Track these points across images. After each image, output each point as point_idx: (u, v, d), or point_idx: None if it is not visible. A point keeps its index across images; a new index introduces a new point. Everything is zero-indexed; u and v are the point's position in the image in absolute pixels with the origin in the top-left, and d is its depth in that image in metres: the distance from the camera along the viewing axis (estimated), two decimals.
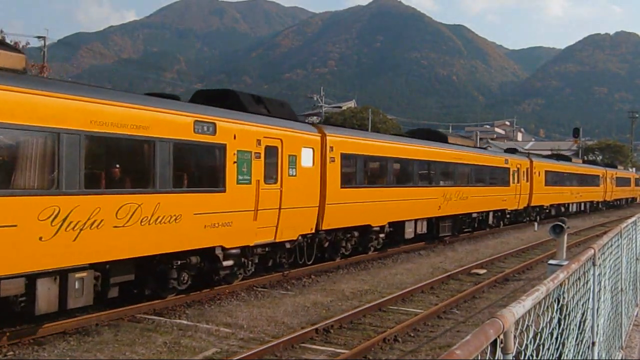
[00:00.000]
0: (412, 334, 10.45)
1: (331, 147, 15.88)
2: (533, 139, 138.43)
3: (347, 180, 16.75)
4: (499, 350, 2.52)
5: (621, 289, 7.59)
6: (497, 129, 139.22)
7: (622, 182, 58.37)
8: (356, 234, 17.68)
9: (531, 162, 32.92)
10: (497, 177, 28.36)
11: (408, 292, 13.71)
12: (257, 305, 12.23)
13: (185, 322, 10.75)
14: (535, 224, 32.31)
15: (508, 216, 30.60)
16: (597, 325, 5.45)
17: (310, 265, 16.06)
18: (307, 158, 14.90)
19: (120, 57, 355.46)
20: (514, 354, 2.64)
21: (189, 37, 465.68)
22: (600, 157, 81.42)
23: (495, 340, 2.45)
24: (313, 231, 15.39)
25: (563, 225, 13.75)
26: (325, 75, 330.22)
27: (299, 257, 15.58)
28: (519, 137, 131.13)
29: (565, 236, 13.94)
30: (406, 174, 20.66)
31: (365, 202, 17.48)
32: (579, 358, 4.63)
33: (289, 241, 14.61)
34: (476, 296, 13.93)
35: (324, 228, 15.76)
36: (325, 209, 15.58)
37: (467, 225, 26.08)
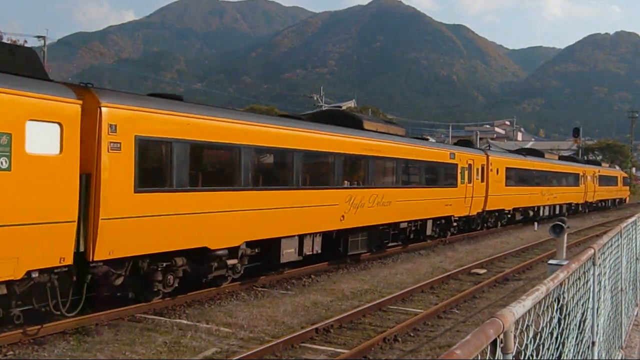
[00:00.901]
0: (412, 334, 10.45)
1: (113, 126, 9.94)
2: (533, 139, 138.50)
3: (152, 181, 10.97)
4: (499, 350, 2.52)
5: (621, 288, 7.59)
6: (497, 129, 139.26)
7: (607, 181, 51.70)
8: (181, 261, 11.57)
9: (487, 157, 27.29)
10: (438, 175, 22.59)
11: (408, 292, 13.70)
12: (257, 305, 12.23)
13: (185, 321, 10.75)
14: (535, 223, 32.23)
15: (455, 224, 24.55)
16: (597, 325, 5.45)
17: (71, 318, 9.85)
18: (43, 140, 8.95)
19: (120, 57, 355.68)
20: (514, 353, 2.64)
21: (189, 37, 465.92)
22: (601, 157, 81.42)
23: (495, 340, 2.45)
24: (69, 262, 9.28)
25: (563, 225, 13.76)
26: (325, 75, 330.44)
27: (51, 305, 9.39)
28: (519, 137, 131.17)
29: (565, 236, 13.95)
30: (280, 170, 14.62)
31: (192, 214, 11.40)
32: (579, 358, 4.63)
33: (7, 282, 8.64)
34: (476, 296, 13.93)
35: (100, 258, 9.81)
36: (101, 226, 9.70)
37: (393, 238, 19.77)
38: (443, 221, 23.37)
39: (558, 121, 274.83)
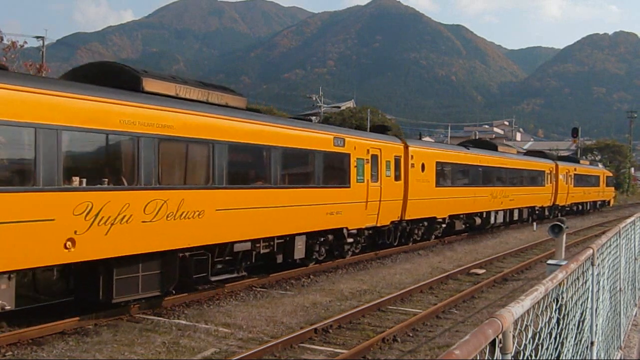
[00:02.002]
0: (411, 334, 10.45)
1: None
2: (532, 139, 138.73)
3: None
4: (497, 350, 2.52)
5: (620, 288, 7.60)
6: (496, 129, 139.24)
7: (586, 180, 44.03)
8: None
9: (406, 147, 20.34)
10: (311, 169, 15.57)
11: (407, 292, 13.70)
12: (256, 305, 12.23)
13: (184, 322, 10.75)
14: (534, 224, 32.11)
15: (351, 240, 17.53)
16: (596, 325, 5.45)
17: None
18: None
19: (119, 57, 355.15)
20: (512, 353, 2.64)
21: (188, 37, 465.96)
22: (599, 156, 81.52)
23: (494, 340, 2.45)
24: None
25: (562, 225, 13.79)
26: (324, 75, 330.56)
27: None
28: (518, 137, 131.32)
29: (564, 236, 13.98)
30: None
31: None
32: (578, 358, 4.63)
33: None
34: (475, 296, 13.93)
35: None
36: None
37: (223, 269, 12.96)
38: (330, 236, 16.63)
39: (557, 121, 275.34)
